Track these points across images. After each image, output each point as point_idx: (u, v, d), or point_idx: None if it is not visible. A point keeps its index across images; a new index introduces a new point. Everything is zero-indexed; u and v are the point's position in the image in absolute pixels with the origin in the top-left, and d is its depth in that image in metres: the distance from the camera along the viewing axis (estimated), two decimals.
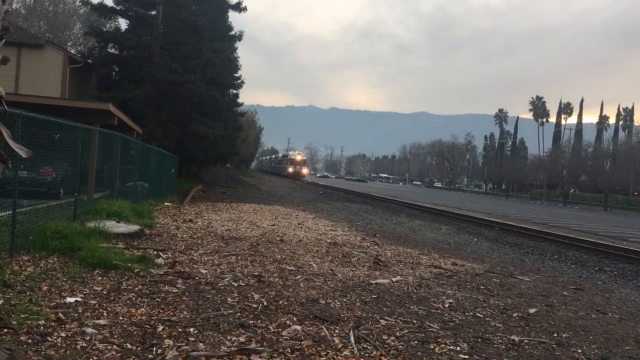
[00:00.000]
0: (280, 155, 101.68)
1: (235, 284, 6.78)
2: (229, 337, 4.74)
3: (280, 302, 6.09)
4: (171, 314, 5.30)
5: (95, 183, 13.54)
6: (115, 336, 4.53)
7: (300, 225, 14.70)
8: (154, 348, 4.33)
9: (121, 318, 5.03)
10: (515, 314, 6.63)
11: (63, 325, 4.64)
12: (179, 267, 7.52)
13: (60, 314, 4.90)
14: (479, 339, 5.39)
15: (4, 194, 6.93)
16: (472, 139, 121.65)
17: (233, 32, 35.02)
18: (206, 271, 7.41)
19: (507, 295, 7.88)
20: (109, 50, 29.68)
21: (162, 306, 5.53)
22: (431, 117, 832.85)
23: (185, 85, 26.93)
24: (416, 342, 5.10)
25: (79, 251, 7.37)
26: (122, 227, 9.87)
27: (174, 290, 6.21)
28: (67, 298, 5.48)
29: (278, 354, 4.42)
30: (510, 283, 8.96)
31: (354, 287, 7.30)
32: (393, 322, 5.71)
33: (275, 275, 7.58)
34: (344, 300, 6.49)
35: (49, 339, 4.31)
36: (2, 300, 5.09)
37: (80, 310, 5.12)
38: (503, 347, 5.23)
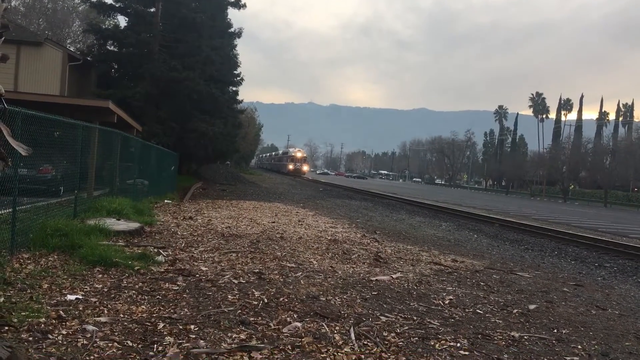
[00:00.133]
0: (281, 152, 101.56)
1: (236, 281, 6.78)
2: (229, 334, 4.75)
3: (281, 299, 6.09)
4: (172, 311, 5.31)
5: (95, 181, 13.54)
6: (116, 333, 4.54)
7: (300, 223, 14.70)
8: (155, 345, 4.33)
9: (122, 315, 5.04)
10: (515, 310, 6.64)
11: (64, 323, 4.65)
12: (179, 265, 7.52)
13: (61, 312, 4.91)
14: (479, 335, 5.40)
15: (4, 191, 6.94)
16: (472, 136, 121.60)
17: (232, 29, 34.98)
18: (206, 268, 7.42)
19: (507, 291, 7.89)
20: (108, 47, 29.66)
21: (162, 303, 5.54)
22: (431, 114, 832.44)
23: (184, 82, 26.91)
24: (416, 338, 5.11)
25: (80, 249, 7.38)
26: (122, 225, 9.87)
27: (174, 288, 6.22)
28: (68, 295, 5.49)
29: (279, 351, 4.43)
30: (510, 279, 8.97)
31: (354, 284, 7.31)
32: (393, 319, 5.71)
33: (276, 272, 7.58)
34: (345, 297, 6.50)
35: (50, 336, 4.32)
36: (2, 298, 5.10)
37: (81, 308, 5.13)
38: (503, 343, 5.24)
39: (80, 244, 7.52)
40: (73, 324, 4.66)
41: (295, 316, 5.47)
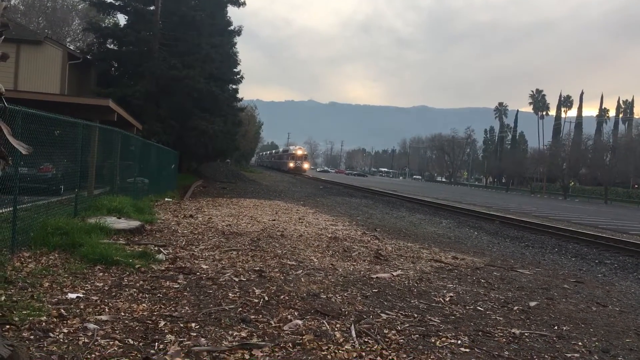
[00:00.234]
0: (281, 150, 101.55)
1: (237, 279, 6.79)
2: (230, 332, 4.76)
3: (282, 297, 6.10)
4: (173, 309, 5.32)
5: (96, 179, 13.54)
6: (117, 332, 4.54)
7: (300, 220, 14.71)
8: (156, 343, 4.34)
9: (123, 314, 5.04)
10: (515, 307, 6.64)
11: (65, 321, 4.66)
12: (180, 263, 7.53)
13: (62, 310, 4.92)
14: (480, 333, 5.40)
15: (4, 190, 6.94)
16: (472, 133, 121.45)
17: (232, 27, 34.95)
18: (207, 266, 7.42)
19: (507, 288, 7.90)
20: (108, 46, 29.64)
21: (163, 302, 5.55)
22: (431, 111, 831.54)
23: (184, 80, 26.89)
24: (417, 335, 5.12)
25: (80, 247, 7.38)
26: (123, 223, 9.88)
27: (175, 286, 6.22)
28: (69, 294, 5.50)
29: (279, 349, 4.44)
30: (510, 276, 8.98)
31: (354, 281, 7.31)
32: (394, 316, 5.72)
33: (276, 270, 7.59)
34: (345, 294, 6.51)
35: (51, 334, 4.33)
36: (3, 297, 5.11)
37: (82, 306, 5.14)
38: (504, 340, 5.25)
39: (81, 243, 7.53)
40: (74, 322, 4.67)
41: (296, 314, 5.48)
